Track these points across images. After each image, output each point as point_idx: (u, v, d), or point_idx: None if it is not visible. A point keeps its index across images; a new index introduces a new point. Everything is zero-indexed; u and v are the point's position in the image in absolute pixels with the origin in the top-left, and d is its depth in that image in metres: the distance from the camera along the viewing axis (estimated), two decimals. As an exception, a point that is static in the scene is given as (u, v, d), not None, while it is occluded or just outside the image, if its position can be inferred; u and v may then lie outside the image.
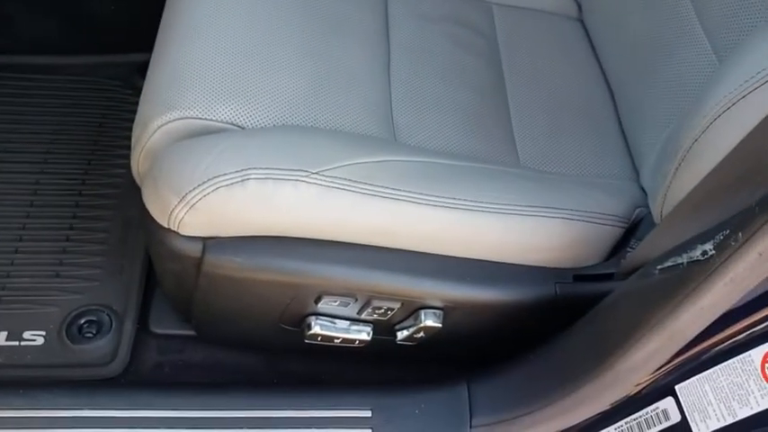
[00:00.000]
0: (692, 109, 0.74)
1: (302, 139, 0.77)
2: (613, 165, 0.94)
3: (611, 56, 1.03)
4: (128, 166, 1.10)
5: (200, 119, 0.77)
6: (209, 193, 0.71)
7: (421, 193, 0.76)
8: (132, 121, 1.16)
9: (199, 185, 0.71)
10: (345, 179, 0.73)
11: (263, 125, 0.79)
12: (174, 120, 0.77)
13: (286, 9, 0.90)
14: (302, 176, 0.72)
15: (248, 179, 0.71)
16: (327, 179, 0.73)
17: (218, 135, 0.76)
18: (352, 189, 0.73)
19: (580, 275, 0.82)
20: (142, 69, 1.22)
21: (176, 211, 0.72)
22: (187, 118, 0.77)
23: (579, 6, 1.12)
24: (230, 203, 0.72)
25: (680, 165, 0.74)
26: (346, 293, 0.78)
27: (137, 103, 1.13)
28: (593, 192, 0.84)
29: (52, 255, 0.98)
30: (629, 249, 0.82)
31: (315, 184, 0.72)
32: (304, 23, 0.90)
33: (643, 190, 0.89)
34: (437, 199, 0.76)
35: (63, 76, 1.19)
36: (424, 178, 0.77)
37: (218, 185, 0.71)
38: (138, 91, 1.21)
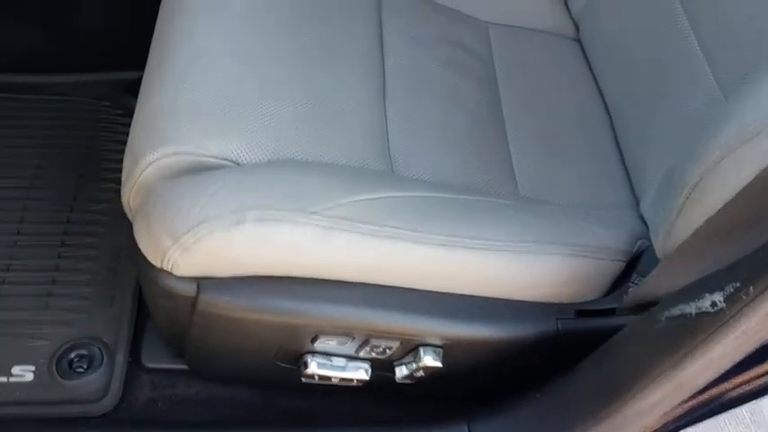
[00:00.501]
0: (700, 144, 0.73)
1: (298, 176, 0.75)
2: (613, 192, 0.93)
3: (610, 78, 1.01)
4: (117, 192, 1.08)
5: (194, 154, 0.75)
6: (203, 236, 0.69)
7: (420, 232, 0.74)
8: (122, 143, 1.13)
9: (193, 228, 0.69)
10: (343, 218, 0.71)
11: (258, 160, 0.77)
12: (166, 155, 0.75)
13: (279, 36, 0.88)
14: (299, 217, 0.70)
15: (244, 221, 0.69)
16: (325, 219, 0.71)
17: (212, 173, 0.74)
18: (350, 229, 0.71)
19: (582, 311, 0.81)
20: (131, 88, 1.20)
21: (170, 252, 0.70)
22: (180, 154, 0.75)
23: (576, 26, 1.10)
24: (226, 246, 0.70)
25: (686, 201, 0.72)
26: (344, 332, 0.76)
27: (126, 125, 1.10)
28: (593, 225, 0.83)
29: (41, 285, 0.95)
30: (631, 284, 0.81)
31: (312, 224, 0.70)
32: (297, 51, 0.87)
33: (643, 220, 0.88)
34: (435, 237, 0.74)
35: (48, 96, 1.16)
36: (423, 215, 0.75)
37: (213, 228, 0.69)
38: (127, 111, 1.20)
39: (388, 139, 0.86)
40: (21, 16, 1.14)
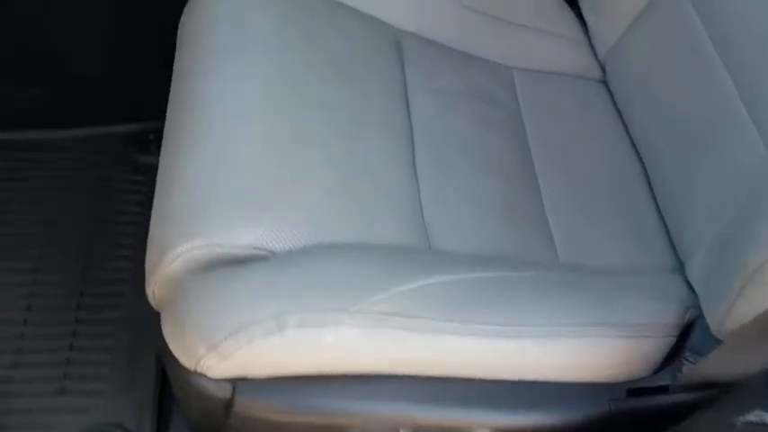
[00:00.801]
0: (758, 222, 0.69)
1: (336, 266, 0.70)
2: (655, 253, 0.88)
3: (642, 126, 0.97)
4: (130, 260, 1.03)
5: (224, 246, 0.71)
6: (242, 345, 0.64)
7: (467, 323, 0.70)
8: (131, 203, 1.08)
9: (231, 336, 0.64)
10: (386, 314, 0.67)
11: (291, 247, 0.72)
12: (195, 248, 0.70)
13: (302, 105, 0.83)
14: (342, 317, 0.66)
15: (285, 327, 0.64)
16: (369, 317, 0.66)
17: (244, 269, 0.69)
18: (396, 325, 0.67)
19: (634, 389, 0.77)
20: (136, 141, 1.16)
21: (205, 359, 0.66)
22: (210, 246, 0.70)
23: (603, 68, 1.06)
24: (265, 351, 0.65)
25: (748, 283, 0.68)
26: (388, 429, 0.72)
27: (135, 182, 1.06)
28: (641, 298, 0.79)
29: (55, 367, 0.90)
30: (684, 361, 0.78)
31: (356, 324, 0.66)
32: (323, 120, 0.83)
33: (689, 284, 0.84)
34: (483, 327, 0.70)
35: (50, 153, 1.11)
36: (469, 302, 0.71)
37: (252, 336, 0.64)
38: (134, 166, 1.15)
39: (422, 211, 0.82)
40: (20, 71, 1.09)
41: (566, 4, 1.08)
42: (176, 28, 0.98)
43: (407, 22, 0.99)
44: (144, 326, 0.94)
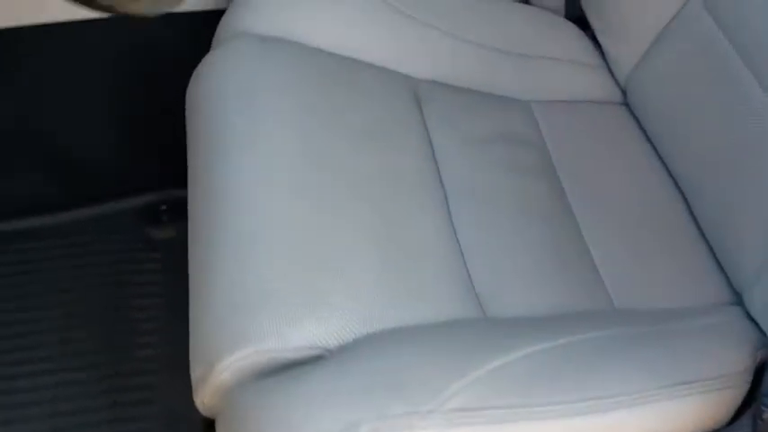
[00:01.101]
0: None
1: (397, 360, 0.66)
2: (710, 289, 0.85)
3: (675, 152, 0.93)
4: (157, 345, 0.98)
5: (276, 350, 0.66)
6: None
7: (543, 405, 0.65)
8: (151, 283, 1.03)
9: None
10: (462, 410, 0.63)
11: (346, 340, 0.68)
12: (246, 357, 0.65)
13: (332, 178, 0.79)
14: (416, 421, 0.61)
15: (356, 440, 0.60)
16: (443, 416, 0.62)
17: (302, 374, 0.64)
18: (473, 420, 0.63)
19: (715, 443, 0.74)
20: (147, 214, 1.11)
21: None
22: (261, 352, 0.66)
23: (623, 91, 1.03)
24: (336, 466, 0.61)
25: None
26: None
27: (152, 259, 1.01)
28: (710, 346, 0.75)
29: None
30: (763, 408, 0.74)
31: (431, 427, 0.62)
32: (354, 193, 0.78)
33: (750, 317, 0.81)
34: (560, 407, 0.66)
35: (58, 239, 1.05)
36: (541, 381, 0.67)
37: None
38: (148, 242, 1.10)
39: (470, 278, 0.78)
40: (17, 160, 1.03)
41: (578, 29, 1.05)
42: (178, 96, 0.94)
43: (423, 70, 0.95)
44: (180, 417, 0.90)
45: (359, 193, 0.78)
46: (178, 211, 1.09)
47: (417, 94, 0.93)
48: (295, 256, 0.71)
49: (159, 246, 1.05)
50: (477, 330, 0.72)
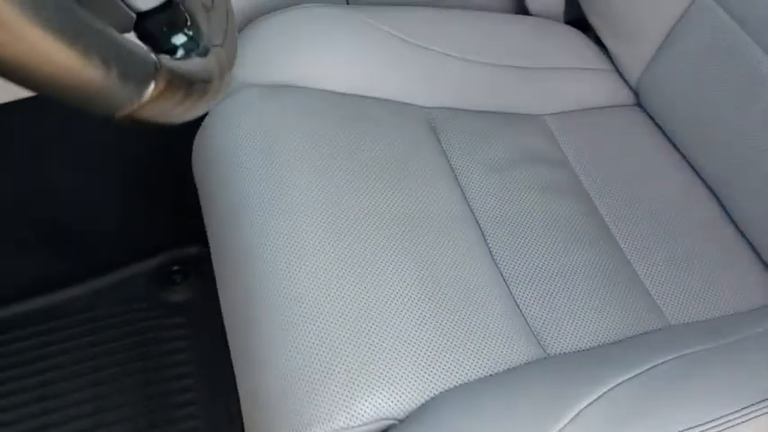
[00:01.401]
0: None
1: (483, 416, 0.63)
2: (759, 288, 0.83)
3: (701, 150, 0.91)
4: (199, 416, 0.95)
5: (347, 427, 0.63)
6: None
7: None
8: (177, 351, 1.00)
9: None
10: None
11: (414, 405, 0.65)
12: (316, 438, 0.62)
13: (364, 231, 0.75)
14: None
15: None
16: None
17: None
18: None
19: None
20: (160, 278, 1.07)
21: None
22: (331, 430, 0.62)
23: (635, 93, 1.00)
24: None
25: None
26: None
27: (172, 326, 0.97)
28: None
29: None
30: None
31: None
32: (391, 244, 0.75)
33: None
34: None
35: (74, 316, 1.00)
36: (627, 420, 0.64)
37: None
38: (166, 306, 1.06)
39: (523, 315, 0.75)
40: (19, 238, 0.98)
41: (581, 34, 1.02)
42: (180, 152, 0.90)
43: (434, 98, 0.92)
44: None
45: (397, 243, 0.75)
46: (192, 271, 1.05)
47: (433, 124, 0.90)
48: (344, 322, 0.67)
49: (180, 308, 1.01)
50: (544, 373, 0.70)
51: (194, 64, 0.40)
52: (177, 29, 0.43)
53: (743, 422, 0.67)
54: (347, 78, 0.90)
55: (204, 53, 0.43)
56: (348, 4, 0.96)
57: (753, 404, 0.68)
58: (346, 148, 0.84)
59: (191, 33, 0.43)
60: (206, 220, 0.86)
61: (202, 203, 0.87)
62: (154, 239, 1.06)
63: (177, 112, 0.39)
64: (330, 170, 0.81)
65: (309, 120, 0.86)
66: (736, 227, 0.88)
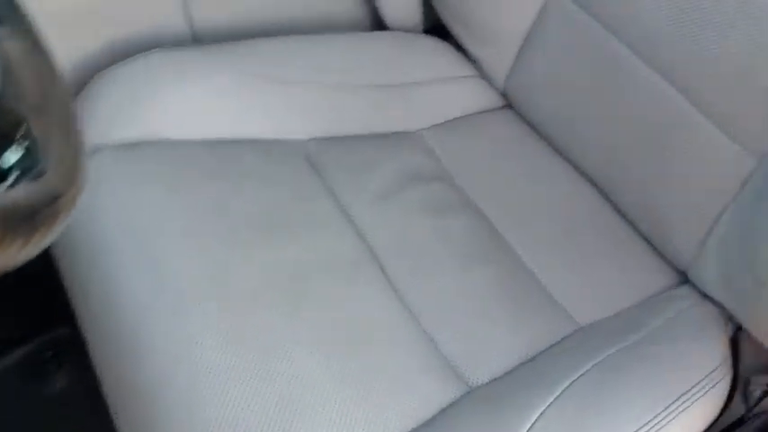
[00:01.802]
0: None
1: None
2: (657, 275, 0.84)
3: (579, 149, 0.91)
4: None
5: None
6: None
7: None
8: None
9: None
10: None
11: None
12: None
13: (255, 288, 0.70)
14: None
15: None
16: None
17: None
18: None
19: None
20: (32, 368, 0.95)
21: None
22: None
23: (504, 95, 0.99)
24: None
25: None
26: None
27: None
28: (687, 346, 0.74)
29: None
30: (750, 388, 0.75)
31: None
32: (289, 302, 0.70)
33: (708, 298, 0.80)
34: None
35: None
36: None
37: None
38: (45, 399, 0.95)
39: (440, 352, 0.72)
40: None
41: (442, 42, 1.00)
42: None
43: (307, 129, 0.87)
44: None
45: (295, 303, 0.70)
46: (65, 357, 0.95)
47: (311, 159, 0.85)
48: (252, 401, 0.62)
49: (59, 399, 0.91)
50: (476, 412, 0.67)
51: (34, 189, 0.33)
52: (7, 142, 0.34)
53: (670, 421, 0.68)
54: (211, 124, 0.83)
55: (43, 171, 0.35)
56: (195, 44, 0.89)
57: (674, 401, 0.69)
58: (219, 205, 0.77)
59: (26, 145, 0.35)
60: (74, 305, 0.77)
61: (68, 285, 0.78)
62: (19, 327, 0.95)
63: (24, 253, 0.32)
64: (205, 236, 0.74)
65: (173, 179, 0.78)
66: (624, 217, 0.89)
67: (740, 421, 0.74)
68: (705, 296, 0.80)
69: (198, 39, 0.89)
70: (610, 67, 0.85)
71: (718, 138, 0.76)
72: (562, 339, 0.76)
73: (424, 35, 1.00)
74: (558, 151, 0.94)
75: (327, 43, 0.93)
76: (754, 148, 0.73)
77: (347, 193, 0.83)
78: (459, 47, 1.01)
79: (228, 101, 0.83)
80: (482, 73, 0.99)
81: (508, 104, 0.99)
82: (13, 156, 0.35)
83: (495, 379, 0.71)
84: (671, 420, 0.67)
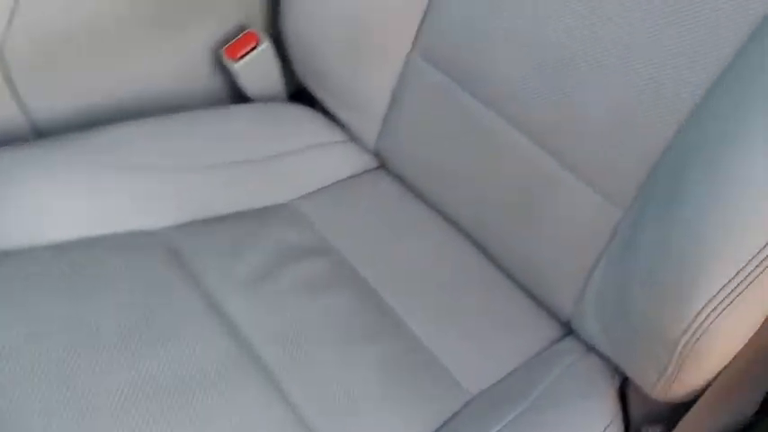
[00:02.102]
0: (672, 291, 0.64)
1: None
2: (541, 330, 0.83)
3: (454, 207, 0.90)
4: None
5: None
6: None
7: None
8: None
9: None
10: None
11: None
12: None
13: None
14: None
15: None
16: None
17: None
18: None
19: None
20: None
21: None
22: None
23: (377, 154, 0.97)
24: None
25: (680, 358, 0.65)
26: None
27: None
28: (575, 408, 0.73)
29: None
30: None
31: None
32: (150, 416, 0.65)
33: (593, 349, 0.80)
34: None
35: None
36: None
37: None
38: None
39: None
40: None
41: (309, 109, 0.97)
42: None
43: (171, 217, 0.82)
44: None
45: (162, 424, 0.64)
46: None
47: (177, 250, 0.80)
48: None
49: None
50: None
51: None
52: None
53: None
54: (58, 225, 0.76)
55: None
56: (38, 138, 0.82)
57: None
58: (72, 320, 0.70)
59: None
60: None
61: None
62: None
63: None
64: (55, 360, 0.67)
65: (14, 296, 0.70)
66: (506, 272, 0.88)
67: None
68: (590, 347, 0.80)
69: (40, 132, 0.82)
70: (470, 125, 0.84)
71: (584, 191, 0.77)
72: (453, 416, 0.74)
73: (287, 104, 0.98)
74: (435, 209, 0.93)
75: (183, 123, 0.89)
76: (619, 200, 0.74)
77: (216, 282, 0.78)
78: (326, 111, 0.99)
79: (76, 197, 0.77)
80: (352, 136, 0.97)
81: (382, 165, 0.98)
82: None
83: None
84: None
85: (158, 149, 0.86)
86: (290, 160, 0.93)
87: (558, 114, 0.77)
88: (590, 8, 0.72)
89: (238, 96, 0.97)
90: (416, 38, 0.87)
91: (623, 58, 0.70)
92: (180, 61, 0.88)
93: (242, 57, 0.91)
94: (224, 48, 0.92)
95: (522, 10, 0.77)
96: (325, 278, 0.82)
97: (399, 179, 0.96)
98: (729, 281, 0.60)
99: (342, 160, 0.96)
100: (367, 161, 0.97)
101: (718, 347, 0.63)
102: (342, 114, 0.95)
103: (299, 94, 1.00)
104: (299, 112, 0.97)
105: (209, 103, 0.96)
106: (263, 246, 0.84)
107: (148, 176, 0.83)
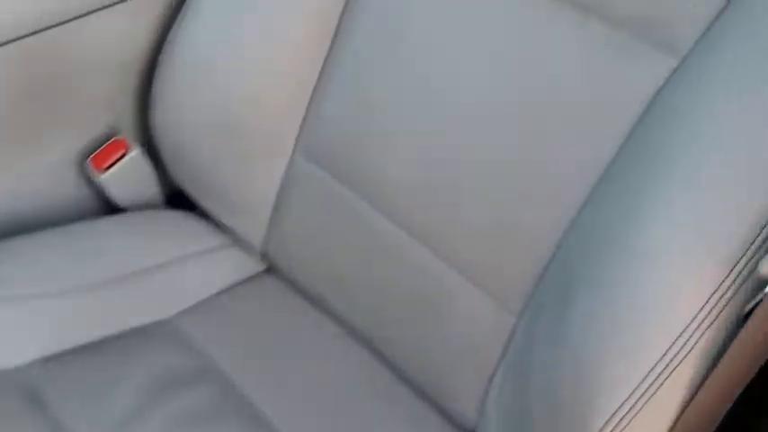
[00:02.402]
0: (569, 411, 0.61)
1: None
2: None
3: (346, 312, 0.85)
4: None
5: None
6: None
7: None
8: None
9: None
10: None
11: None
12: None
13: None
14: None
15: None
16: None
17: None
18: None
19: None
20: None
21: None
22: None
23: (265, 257, 0.92)
24: None
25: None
26: None
27: None
28: None
29: None
30: None
31: None
32: None
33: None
34: None
35: None
36: None
37: None
38: None
39: None
40: None
41: (189, 214, 0.91)
42: None
43: (23, 352, 0.74)
44: None
45: None
46: None
47: (30, 389, 0.72)
48: None
49: None
50: None
51: None
52: None
53: None
54: None
55: None
56: None
57: None
58: None
59: None
60: None
61: None
62: None
63: None
64: None
65: None
66: (406, 379, 0.84)
67: None
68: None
69: None
70: (358, 226, 0.80)
71: (479, 295, 0.73)
72: None
73: (164, 210, 0.92)
74: (328, 313, 0.88)
75: (46, 242, 0.81)
76: (512, 306, 0.71)
77: (83, 427, 0.70)
78: (206, 214, 0.93)
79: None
80: (236, 240, 0.91)
81: (270, 268, 0.93)
82: None
83: None
84: None
85: (19, 275, 0.78)
86: (168, 272, 0.86)
87: (441, 216, 0.74)
88: (468, 116, 0.70)
89: (112, 206, 0.90)
90: (299, 136, 0.83)
91: (501, 166, 0.68)
92: (39, 178, 0.81)
93: (109, 167, 0.85)
94: (90, 158, 0.86)
95: (399, 110, 0.74)
96: (211, 407, 0.75)
97: (290, 283, 0.90)
98: (626, 400, 0.57)
99: (226, 267, 0.90)
100: (254, 265, 0.91)
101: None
102: (225, 219, 0.90)
103: (178, 197, 0.94)
104: (177, 218, 0.90)
105: (80, 216, 0.89)
106: (140, 375, 0.76)
107: (6, 306, 0.75)
